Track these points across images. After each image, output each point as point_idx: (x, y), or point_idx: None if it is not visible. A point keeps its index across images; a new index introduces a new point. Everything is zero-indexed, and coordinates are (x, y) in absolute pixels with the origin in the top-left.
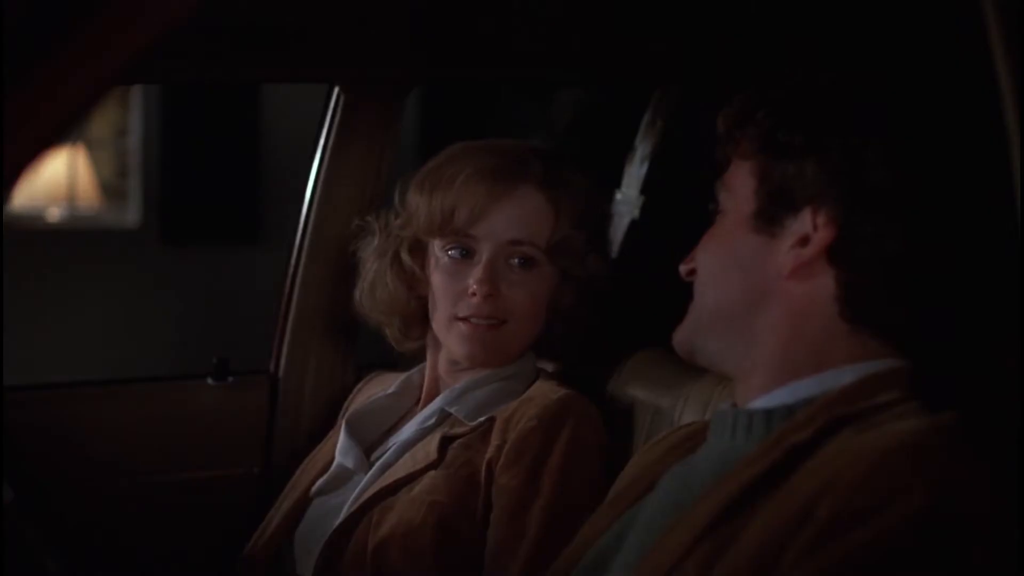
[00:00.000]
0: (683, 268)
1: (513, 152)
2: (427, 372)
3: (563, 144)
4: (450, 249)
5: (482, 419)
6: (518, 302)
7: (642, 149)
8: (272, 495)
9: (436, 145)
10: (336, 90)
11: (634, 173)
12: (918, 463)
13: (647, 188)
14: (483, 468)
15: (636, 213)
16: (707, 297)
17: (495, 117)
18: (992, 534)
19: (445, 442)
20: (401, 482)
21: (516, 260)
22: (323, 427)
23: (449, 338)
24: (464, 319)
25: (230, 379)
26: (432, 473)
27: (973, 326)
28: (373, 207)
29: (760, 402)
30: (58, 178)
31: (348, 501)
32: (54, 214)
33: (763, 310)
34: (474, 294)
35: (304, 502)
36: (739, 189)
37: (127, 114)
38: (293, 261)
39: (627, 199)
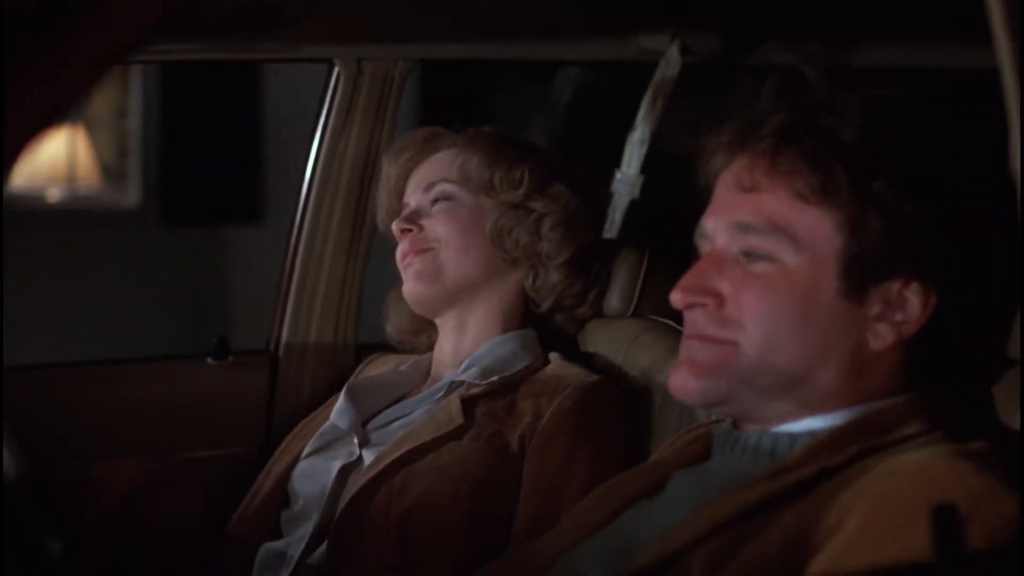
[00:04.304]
0: (700, 300)
1: (432, 131)
2: (434, 357)
3: (564, 123)
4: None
5: (494, 378)
6: (440, 229)
7: (643, 129)
8: None
9: (436, 124)
10: (336, 69)
11: (634, 153)
12: (950, 481)
13: (648, 168)
14: (515, 442)
15: (636, 193)
16: (771, 355)
17: (495, 96)
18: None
19: (467, 404)
20: (426, 447)
21: (435, 200)
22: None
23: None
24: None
25: (230, 358)
26: (460, 444)
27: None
28: (373, 187)
29: (785, 427)
30: (58, 159)
31: (338, 461)
32: (54, 195)
33: (825, 369)
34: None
35: (295, 465)
36: (814, 242)
37: (127, 95)
38: (293, 241)
39: (627, 179)
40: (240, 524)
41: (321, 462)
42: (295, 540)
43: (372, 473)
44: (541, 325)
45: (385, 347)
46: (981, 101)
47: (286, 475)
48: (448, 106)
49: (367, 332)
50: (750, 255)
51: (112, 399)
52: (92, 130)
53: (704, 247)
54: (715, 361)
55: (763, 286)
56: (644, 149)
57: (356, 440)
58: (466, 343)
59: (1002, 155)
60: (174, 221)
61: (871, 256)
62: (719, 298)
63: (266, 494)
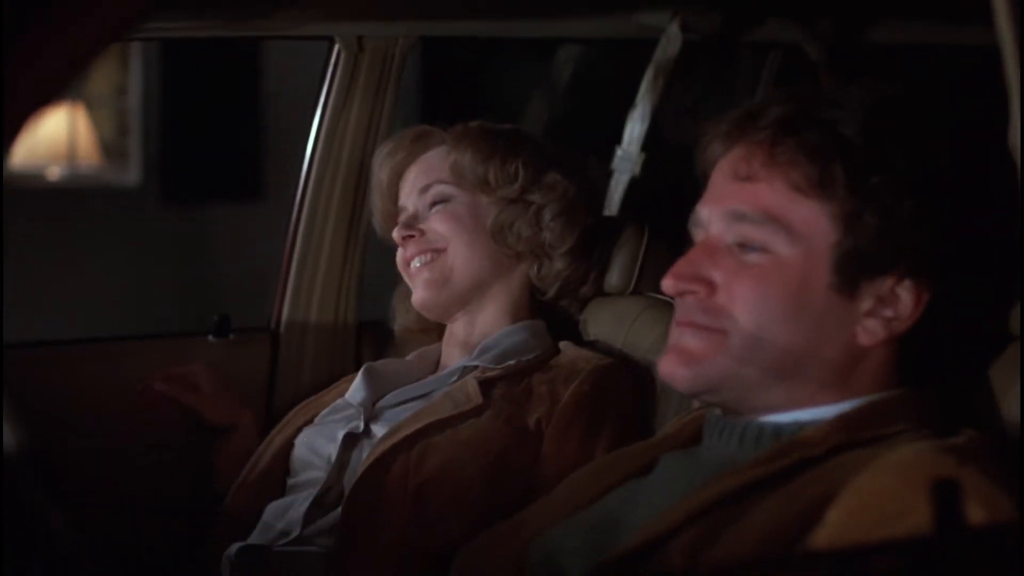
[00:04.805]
0: (692, 287)
1: (421, 130)
2: (443, 348)
3: (564, 101)
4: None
5: (511, 362)
6: (442, 230)
7: (643, 106)
8: None
9: (437, 101)
10: (337, 47)
11: (635, 130)
12: (934, 475)
13: (648, 145)
14: (532, 424)
15: (637, 170)
16: (760, 346)
17: (496, 73)
18: (1008, 546)
19: (484, 386)
20: (445, 422)
21: (432, 203)
22: (324, 383)
23: (413, 299)
24: (405, 268)
25: (231, 336)
26: (479, 421)
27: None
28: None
29: (773, 417)
30: (58, 137)
31: (340, 430)
32: (54, 173)
33: (814, 363)
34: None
35: (296, 437)
36: (809, 234)
37: (127, 72)
38: (294, 218)
39: (628, 156)
40: (239, 494)
41: (325, 431)
42: (299, 500)
43: (389, 443)
44: (547, 313)
45: (385, 324)
46: (981, 84)
47: (288, 445)
48: (448, 84)
49: (367, 310)
50: (744, 246)
51: (113, 376)
52: (92, 108)
53: (698, 235)
54: (704, 349)
55: (755, 276)
56: (645, 126)
57: (363, 415)
58: (476, 334)
59: (1002, 154)
60: (174, 199)
61: (865, 252)
62: (711, 286)
63: (267, 464)
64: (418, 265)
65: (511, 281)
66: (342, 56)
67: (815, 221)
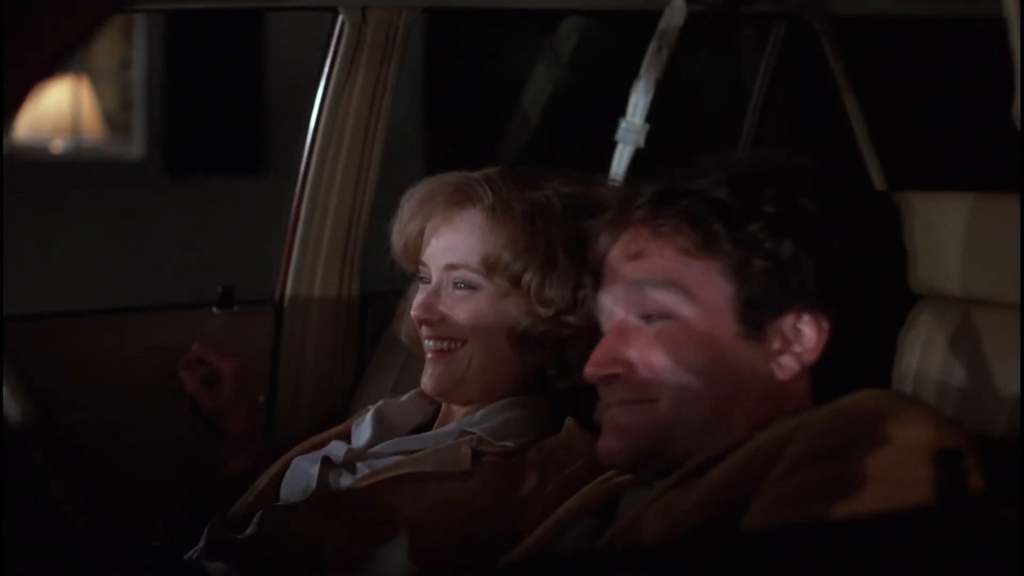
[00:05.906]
0: (613, 370)
1: (461, 182)
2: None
3: (568, 72)
4: (419, 277)
5: (509, 443)
6: (462, 323)
7: (647, 77)
8: (277, 424)
9: (441, 74)
10: (340, 18)
11: (639, 101)
12: (880, 410)
13: (652, 116)
14: (517, 500)
15: (641, 142)
16: (688, 406)
17: (499, 45)
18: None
19: (476, 455)
20: (428, 476)
21: (457, 284)
22: (327, 355)
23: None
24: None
25: (235, 308)
26: (465, 484)
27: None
28: (377, 136)
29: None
30: (62, 110)
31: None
32: (58, 146)
33: (740, 407)
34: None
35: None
36: (706, 293)
37: (131, 46)
38: (298, 190)
39: (632, 127)
40: (237, 516)
41: (311, 458)
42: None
43: (366, 483)
44: None
45: (389, 296)
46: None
47: (283, 470)
48: (452, 55)
49: (371, 282)
50: (649, 317)
51: (117, 348)
52: (96, 82)
53: (605, 323)
54: (638, 420)
55: (668, 343)
56: (649, 98)
57: (345, 452)
58: (479, 401)
59: (865, 182)
60: (178, 172)
61: (761, 297)
62: (630, 365)
63: (262, 488)
64: (433, 348)
65: (523, 375)
66: (346, 27)
67: (709, 279)
